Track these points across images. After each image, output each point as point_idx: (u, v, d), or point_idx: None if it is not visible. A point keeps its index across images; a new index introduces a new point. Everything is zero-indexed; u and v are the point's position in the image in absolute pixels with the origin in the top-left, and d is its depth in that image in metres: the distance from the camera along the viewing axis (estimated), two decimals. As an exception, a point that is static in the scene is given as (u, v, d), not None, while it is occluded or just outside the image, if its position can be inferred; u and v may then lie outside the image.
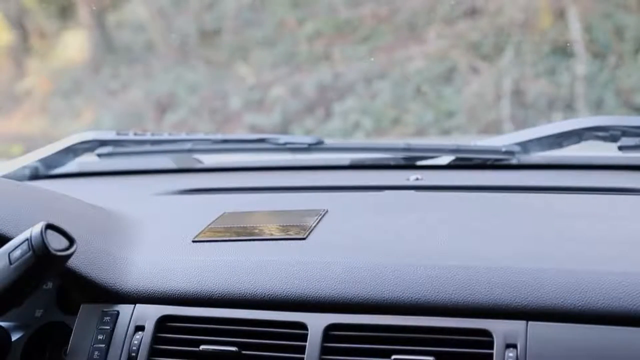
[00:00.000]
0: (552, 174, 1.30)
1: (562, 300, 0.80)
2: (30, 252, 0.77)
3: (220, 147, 1.39)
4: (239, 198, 1.17)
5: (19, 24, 4.02)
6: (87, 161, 1.49)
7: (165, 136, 1.47)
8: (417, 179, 1.26)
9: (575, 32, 3.40)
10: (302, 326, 0.85)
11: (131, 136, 1.40)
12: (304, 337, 0.84)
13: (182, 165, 1.47)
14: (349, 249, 0.92)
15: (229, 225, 1.01)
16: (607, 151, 1.35)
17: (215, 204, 1.06)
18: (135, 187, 1.39)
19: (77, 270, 0.92)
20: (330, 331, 0.84)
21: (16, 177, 1.40)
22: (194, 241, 0.97)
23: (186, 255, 0.95)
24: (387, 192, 1.17)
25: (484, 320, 0.81)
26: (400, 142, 1.38)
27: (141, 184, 1.42)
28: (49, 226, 0.78)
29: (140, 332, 0.90)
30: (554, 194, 1.15)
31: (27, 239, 0.78)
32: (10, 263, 0.78)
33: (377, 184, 1.23)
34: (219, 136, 1.41)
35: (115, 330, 0.91)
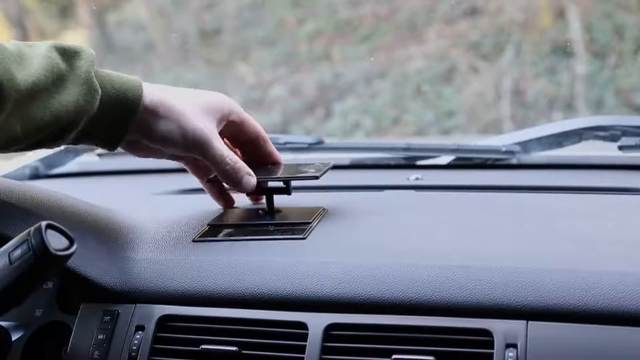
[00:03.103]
0: (553, 173, 1.30)
1: (562, 300, 0.80)
2: (30, 252, 0.77)
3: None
4: (238, 198, 1.17)
5: (19, 23, 4.02)
6: (87, 161, 1.49)
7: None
8: (417, 178, 1.26)
9: (575, 32, 3.40)
10: (302, 326, 0.85)
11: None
12: (304, 337, 0.84)
13: (183, 165, 1.46)
14: (349, 249, 0.92)
15: (229, 225, 1.01)
16: (607, 151, 1.35)
17: (216, 203, 1.06)
18: (135, 187, 1.39)
19: (78, 270, 0.92)
20: (330, 331, 0.84)
21: (16, 177, 1.40)
22: (194, 241, 0.97)
23: (186, 255, 0.95)
24: (387, 191, 1.17)
25: (484, 320, 0.81)
26: (400, 141, 1.38)
27: (141, 183, 1.41)
28: (49, 226, 0.78)
29: (140, 332, 0.90)
30: (554, 193, 1.15)
31: (27, 239, 0.78)
32: (10, 263, 0.78)
33: (377, 183, 1.23)
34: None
35: (116, 330, 0.91)
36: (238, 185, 0.97)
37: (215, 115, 0.95)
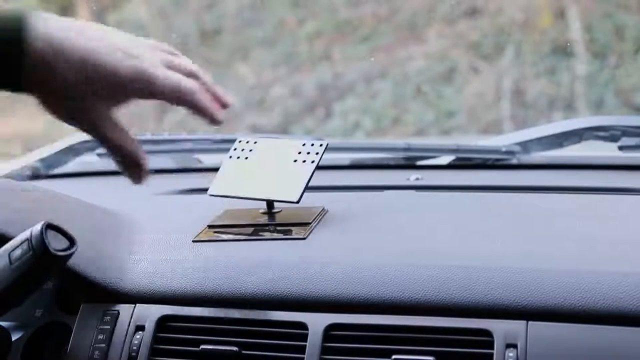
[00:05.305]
0: (552, 174, 1.30)
1: (562, 300, 0.80)
2: (31, 252, 0.77)
3: (220, 147, 1.39)
4: (239, 200, 1.17)
5: (19, 23, 4.00)
6: (88, 161, 1.49)
7: (166, 136, 1.48)
8: (417, 178, 1.26)
9: (575, 32, 3.40)
10: (302, 326, 0.85)
11: (131, 136, 1.40)
12: (304, 337, 0.84)
13: (182, 165, 1.47)
14: (349, 249, 0.92)
15: (229, 225, 1.01)
16: (607, 151, 1.35)
17: (215, 203, 1.06)
18: (135, 187, 1.39)
19: (78, 270, 0.92)
20: (330, 331, 0.84)
21: (16, 177, 1.40)
22: (194, 241, 0.97)
23: (186, 255, 0.95)
24: (387, 192, 1.17)
25: (484, 320, 0.81)
26: (401, 142, 1.38)
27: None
28: (49, 226, 0.78)
29: (140, 332, 0.90)
30: (554, 194, 1.15)
31: (27, 239, 0.78)
32: (11, 263, 0.78)
33: (377, 183, 1.23)
34: (219, 136, 1.41)
35: (116, 330, 0.91)
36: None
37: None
